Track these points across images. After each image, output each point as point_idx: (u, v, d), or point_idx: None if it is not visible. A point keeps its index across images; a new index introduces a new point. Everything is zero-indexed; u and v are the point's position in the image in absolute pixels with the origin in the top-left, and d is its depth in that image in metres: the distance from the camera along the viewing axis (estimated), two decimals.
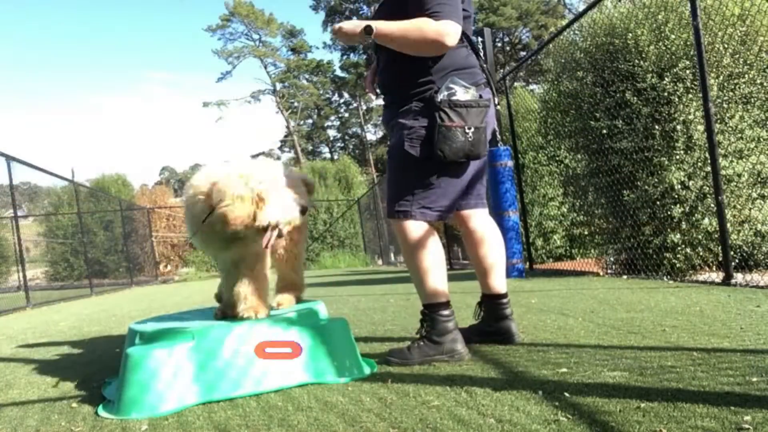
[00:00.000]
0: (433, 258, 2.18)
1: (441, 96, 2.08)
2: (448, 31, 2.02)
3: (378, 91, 2.40)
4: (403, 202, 2.17)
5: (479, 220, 2.36)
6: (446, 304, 2.20)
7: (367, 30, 2.06)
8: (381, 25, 2.06)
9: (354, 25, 2.10)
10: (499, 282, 2.38)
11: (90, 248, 14.20)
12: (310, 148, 46.41)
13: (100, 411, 1.85)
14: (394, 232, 2.29)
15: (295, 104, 43.93)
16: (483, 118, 2.12)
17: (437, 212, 2.18)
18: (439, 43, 2.03)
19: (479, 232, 2.35)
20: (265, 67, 42.85)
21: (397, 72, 2.21)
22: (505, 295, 2.40)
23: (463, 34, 2.14)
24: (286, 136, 44.15)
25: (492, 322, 2.39)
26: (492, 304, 2.39)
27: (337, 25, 2.10)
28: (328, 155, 45.40)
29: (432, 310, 2.19)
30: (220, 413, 1.71)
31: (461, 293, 4.69)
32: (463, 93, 2.09)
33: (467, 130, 2.06)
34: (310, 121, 46.22)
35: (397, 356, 2.17)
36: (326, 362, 2.01)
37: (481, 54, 2.30)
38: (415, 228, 2.17)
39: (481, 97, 2.13)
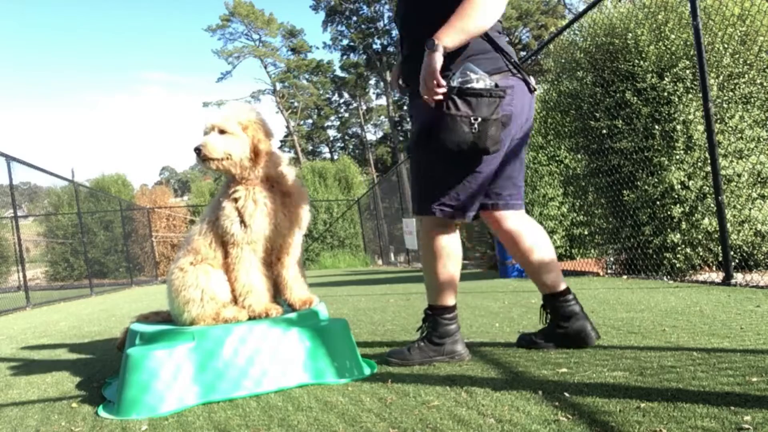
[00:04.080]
0: (448, 260, 2.12)
1: (453, 82, 1.95)
2: None
3: (402, 83, 2.27)
4: (424, 198, 2.10)
5: (513, 220, 2.19)
6: (452, 308, 2.16)
7: (432, 46, 1.92)
8: (443, 35, 1.93)
9: (428, 68, 1.92)
10: (554, 278, 2.20)
11: (90, 248, 14.20)
12: (310, 148, 46.42)
13: (100, 411, 1.85)
14: (422, 230, 2.21)
15: (295, 104, 43.93)
16: (495, 109, 1.94)
17: (459, 209, 2.06)
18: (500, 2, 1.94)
19: (514, 232, 2.19)
20: (265, 67, 42.89)
21: (417, 61, 2.05)
22: (567, 291, 2.21)
23: None
24: (286, 136, 44.14)
25: (562, 323, 2.18)
26: (556, 303, 2.20)
27: (423, 91, 1.96)
28: (328, 155, 45.42)
29: (436, 312, 2.15)
30: (220, 413, 1.71)
31: (461, 293, 4.70)
32: (477, 81, 1.95)
33: (473, 121, 1.92)
34: (310, 121, 46.22)
35: (397, 357, 2.15)
36: (326, 362, 2.01)
37: (504, 36, 2.16)
38: (436, 227, 2.11)
39: (496, 86, 1.96)
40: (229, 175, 2.12)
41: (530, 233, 2.20)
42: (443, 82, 1.92)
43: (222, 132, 2.05)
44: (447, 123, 1.93)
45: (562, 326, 2.18)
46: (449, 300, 2.16)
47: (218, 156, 2.03)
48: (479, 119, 1.92)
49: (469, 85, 1.93)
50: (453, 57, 2.00)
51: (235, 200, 2.07)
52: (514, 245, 2.21)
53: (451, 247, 2.14)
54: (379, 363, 2.18)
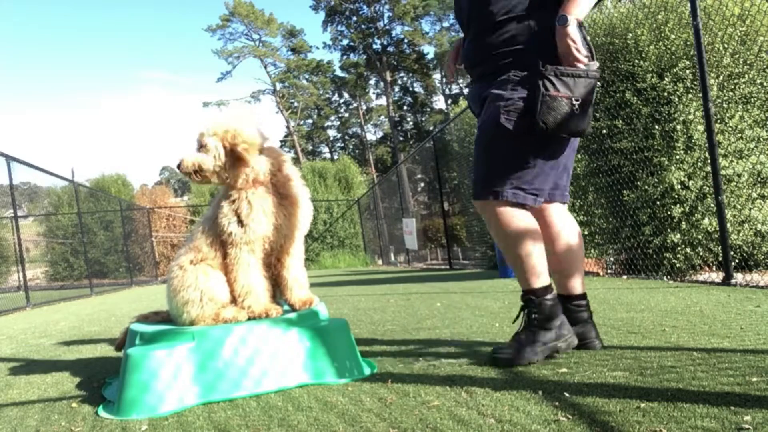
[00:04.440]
0: (532, 239, 2.00)
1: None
2: None
3: (464, 65, 2.18)
4: (494, 181, 1.99)
5: (557, 214, 2.15)
6: (550, 287, 2.05)
7: (565, 20, 1.86)
8: (572, 8, 1.87)
9: (570, 39, 1.87)
10: (576, 282, 2.18)
11: (90, 248, 14.20)
12: (310, 148, 46.41)
13: (100, 411, 1.85)
14: (483, 216, 2.09)
15: (295, 104, 43.92)
16: (592, 90, 1.90)
17: (532, 194, 1.99)
18: None
19: (556, 227, 2.14)
20: (265, 67, 42.87)
21: (492, 40, 2.00)
22: (582, 296, 2.19)
23: None
24: (286, 136, 44.14)
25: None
26: (568, 306, 2.17)
27: (571, 60, 1.89)
28: (328, 155, 45.41)
29: (538, 294, 2.02)
30: (220, 413, 1.71)
31: (461, 293, 4.70)
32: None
33: (574, 102, 1.85)
34: (310, 121, 46.22)
35: (506, 352, 1.97)
36: (326, 362, 2.01)
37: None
38: (508, 210, 2.00)
39: (588, 65, 1.91)
40: (212, 183, 2.19)
41: (571, 231, 2.17)
42: (585, 52, 1.88)
43: (201, 145, 2.11)
44: (548, 104, 1.86)
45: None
46: (545, 279, 2.04)
47: (190, 170, 2.09)
48: (579, 100, 1.87)
49: (562, 66, 1.89)
50: (537, 35, 1.94)
51: (232, 202, 2.08)
52: (550, 241, 2.15)
53: (527, 221, 2.02)
54: (378, 362, 2.18)
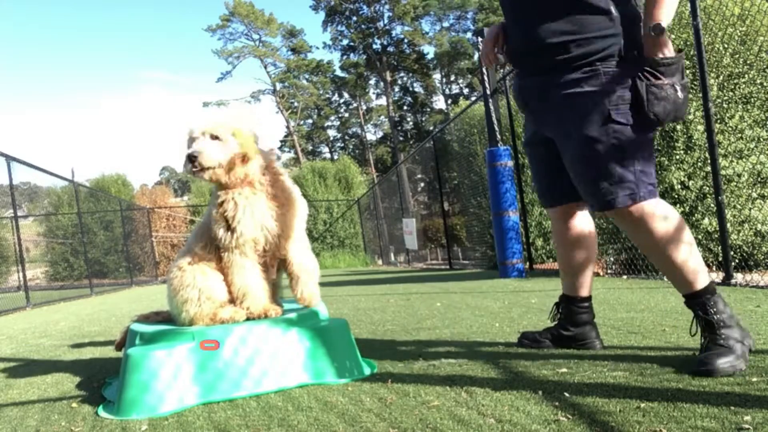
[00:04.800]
0: (687, 237, 1.81)
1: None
2: None
3: (510, 56, 2.02)
4: (625, 184, 1.79)
5: (581, 217, 2.12)
6: (714, 289, 1.82)
7: (660, 30, 1.78)
8: (661, 15, 1.79)
9: (666, 47, 1.78)
10: (585, 282, 2.17)
11: (90, 248, 14.21)
12: (310, 148, 46.42)
13: (100, 411, 1.85)
14: (622, 224, 1.88)
15: (295, 104, 43.93)
16: (683, 71, 1.79)
17: (654, 186, 1.83)
18: None
19: (576, 230, 2.12)
20: (265, 67, 42.89)
21: (555, 28, 1.84)
22: (588, 299, 2.18)
23: None
24: (286, 136, 44.16)
25: (571, 326, 2.17)
26: (573, 307, 2.17)
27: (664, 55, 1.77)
28: (328, 155, 45.40)
29: (706, 293, 1.79)
30: (220, 413, 1.71)
31: (461, 293, 4.70)
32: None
33: (676, 86, 1.76)
34: (310, 121, 46.23)
35: (719, 361, 1.66)
36: (326, 362, 2.01)
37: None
38: (652, 210, 1.79)
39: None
40: (217, 183, 2.08)
41: (592, 231, 2.15)
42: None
43: (215, 138, 2.00)
44: (655, 94, 1.74)
45: (569, 329, 2.18)
46: (707, 278, 1.82)
47: (213, 165, 1.98)
48: (678, 84, 1.77)
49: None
50: (618, 23, 1.82)
51: (220, 204, 2.07)
52: (568, 243, 2.13)
53: (671, 212, 1.83)
54: (378, 362, 2.18)
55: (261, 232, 2.07)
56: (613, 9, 1.81)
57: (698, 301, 1.79)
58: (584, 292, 2.18)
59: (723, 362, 1.65)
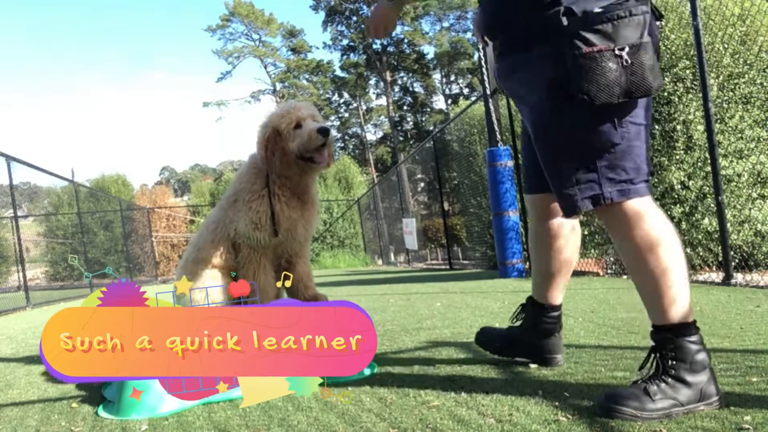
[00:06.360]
0: (672, 251, 1.46)
1: (567, 16, 1.41)
2: None
3: (485, 36, 1.73)
4: (583, 185, 1.47)
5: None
6: (694, 325, 1.47)
7: None
8: None
9: None
10: (558, 292, 1.91)
11: (90, 248, 14.21)
12: None
13: (100, 411, 1.85)
14: (609, 225, 1.55)
15: None
16: (643, 30, 1.40)
17: (640, 183, 1.47)
18: None
19: (556, 225, 1.82)
20: (265, 67, 42.89)
21: (489, 9, 1.63)
22: (558, 308, 1.92)
23: None
24: None
25: (532, 335, 1.94)
26: (540, 315, 1.92)
27: None
28: None
29: (678, 333, 1.45)
30: (220, 413, 1.71)
31: (461, 293, 4.70)
32: (597, 1, 1.41)
33: (618, 52, 1.37)
34: None
35: (628, 403, 1.37)
36: None
37: None
38: (625, 212, 1.47)
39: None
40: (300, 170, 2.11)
41: (573, 239, 1.87)
42: None
43: (297, 125, 2.08)
44: (585, 68, 1.38)
45: (530, 337, 1.95)
46: (689, 312, 1.47)
47: (331, 142, 2.11)
48: (626, 48, 1.38)
49: (589, 9, 1.40)
50: None
51: (250, 204, 2.08)
52: (548, 244, 1.84)
53: (660, 225, 1.48)
54: (380, 364, 2.18)
55: (290, 237, 2.13)
56: None
57: (665, 337, 1.46)
58: (556, 300, 1.91)
59: (627, 403, 1.37)
